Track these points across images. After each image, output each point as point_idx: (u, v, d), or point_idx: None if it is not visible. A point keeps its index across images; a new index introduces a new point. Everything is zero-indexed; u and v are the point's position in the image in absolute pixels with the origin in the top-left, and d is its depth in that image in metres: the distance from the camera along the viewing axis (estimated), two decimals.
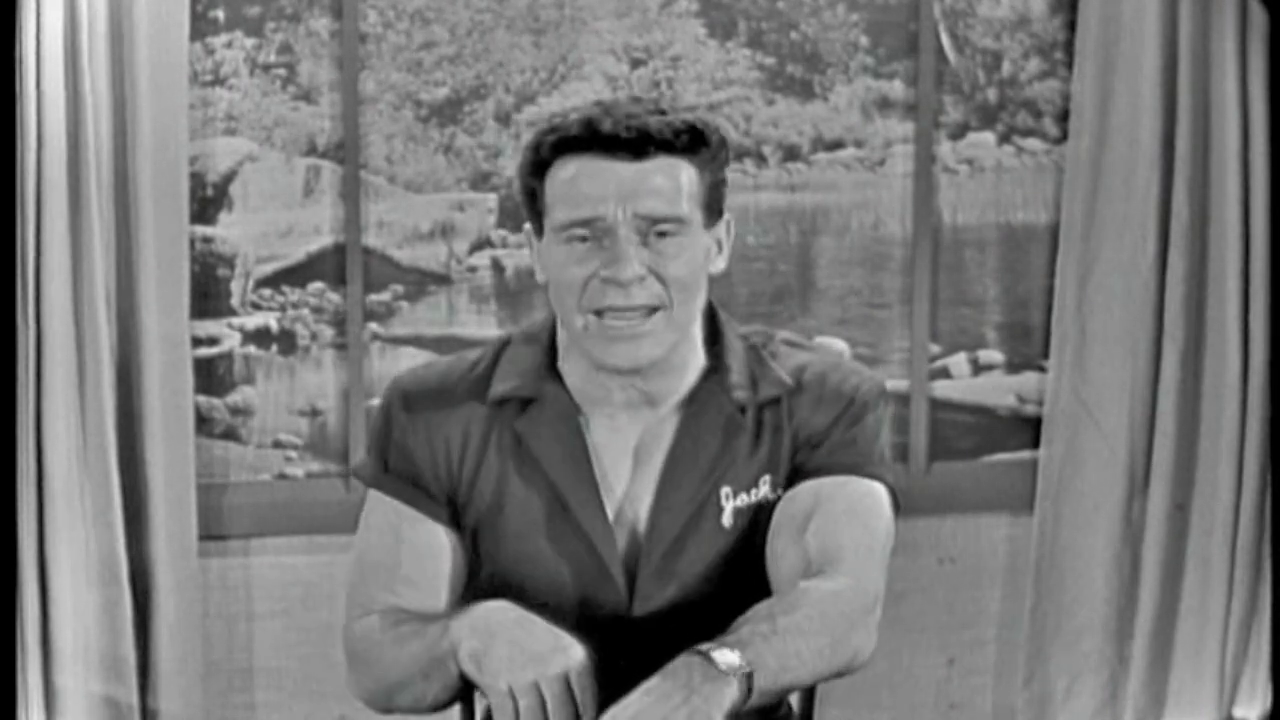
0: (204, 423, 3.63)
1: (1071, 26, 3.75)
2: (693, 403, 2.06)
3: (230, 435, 3.69)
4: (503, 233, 3.72)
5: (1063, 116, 3.80)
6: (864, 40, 3.80)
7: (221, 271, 3.65)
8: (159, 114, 3.36)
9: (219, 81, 3.60)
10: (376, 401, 2.18)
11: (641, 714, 1.73)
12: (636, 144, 1.95)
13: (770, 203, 3.81)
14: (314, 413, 3.71)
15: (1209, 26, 3.59)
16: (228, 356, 3.68)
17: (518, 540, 2.06)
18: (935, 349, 3.89)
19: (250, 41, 3.61)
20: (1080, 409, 3.72)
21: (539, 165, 2.00)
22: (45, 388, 3.32)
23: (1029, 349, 3.92)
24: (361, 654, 2.04)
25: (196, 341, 3.56)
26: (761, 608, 1.87)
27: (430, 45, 3.68)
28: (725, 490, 2.05)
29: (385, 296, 3.71)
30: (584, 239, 1.96)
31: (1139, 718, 3.75)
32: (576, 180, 1.96)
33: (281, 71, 3.63)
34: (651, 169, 1.96)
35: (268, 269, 3.67)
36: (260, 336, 3.68)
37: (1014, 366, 3.94)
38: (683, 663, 1.77)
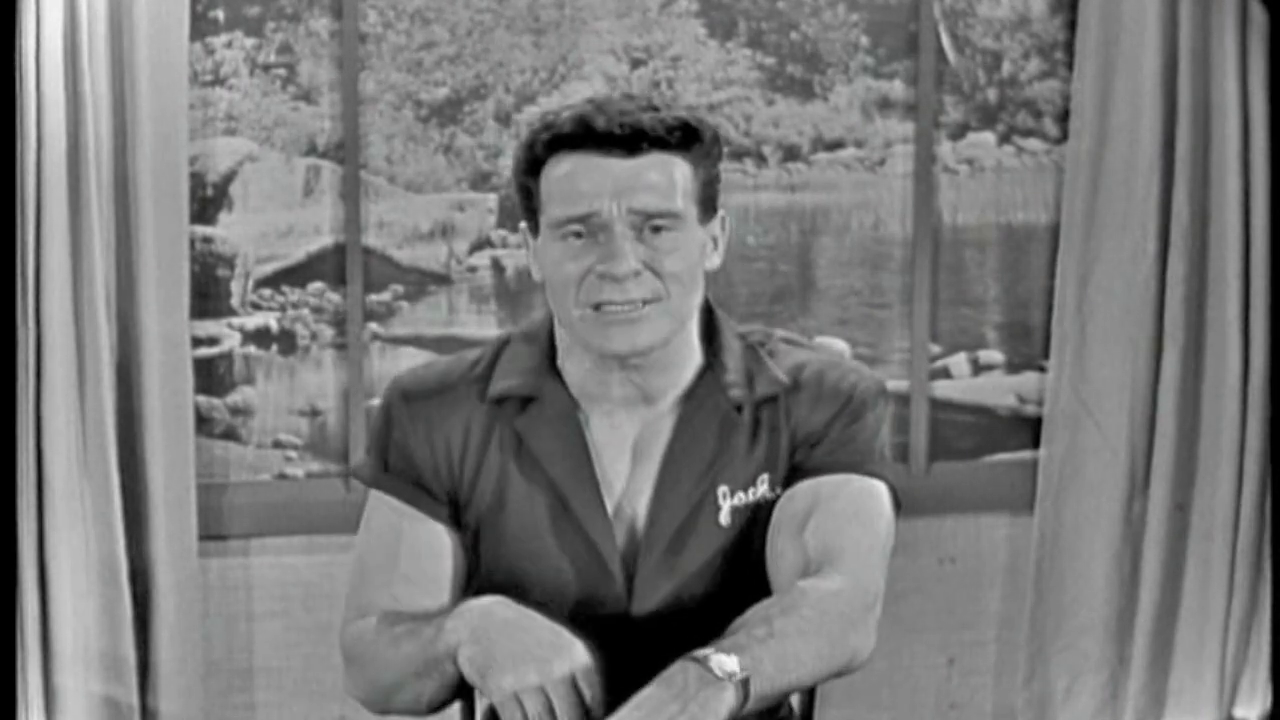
0: (204, 423, 3.63)
1: (1071, 26, 3.75)
2: (690, 400, 2.06)
3: (230, 435, 3.69)
4: (503, 233, 3.72)
5: (1063, 116, 3.80)
6: (864, 40, 3.80)
7: (221, 271, 3.64)
8: (159, 114, 3.36)
9: (219, 81, 3.60)
10: (376, 401, 2.18)
11: None
12: (630, 140, 1.96)
13: (770, 203, 3.81)
14: (314, 413, 3.71)
15: (1209, 26, 3.59)
16: (228, 356, 3.68)
17: (519, 538, 2.06)
18: (935, 349, 3.89)
19: (250, 41, 3.61)
20: (1080, 409, 3.72)
21: (533, 163, 2.00)
22: (45, 388, 3.32)
23: (1029, 349, 3.92)
24: (357, 656, 2.04)
25: (196, 341, 3.56)
26: (759, 610, 1.87)
27: (430, 45, 3.68)
28: (722, 489, 2.05)
29: (385, 296, 3.71)
30: (579, 235, 1.97)
31: (1139, 718, 3.75)
32: (571, 177, 1.97)
33: (281, 71, 3.63)
34: (645, 165, 1.96)
35: (268, 269, 3.67)
36: (260, 336, 3.68)
37: (1014, 366, 3.94)
38: (679, 669, 1.77)
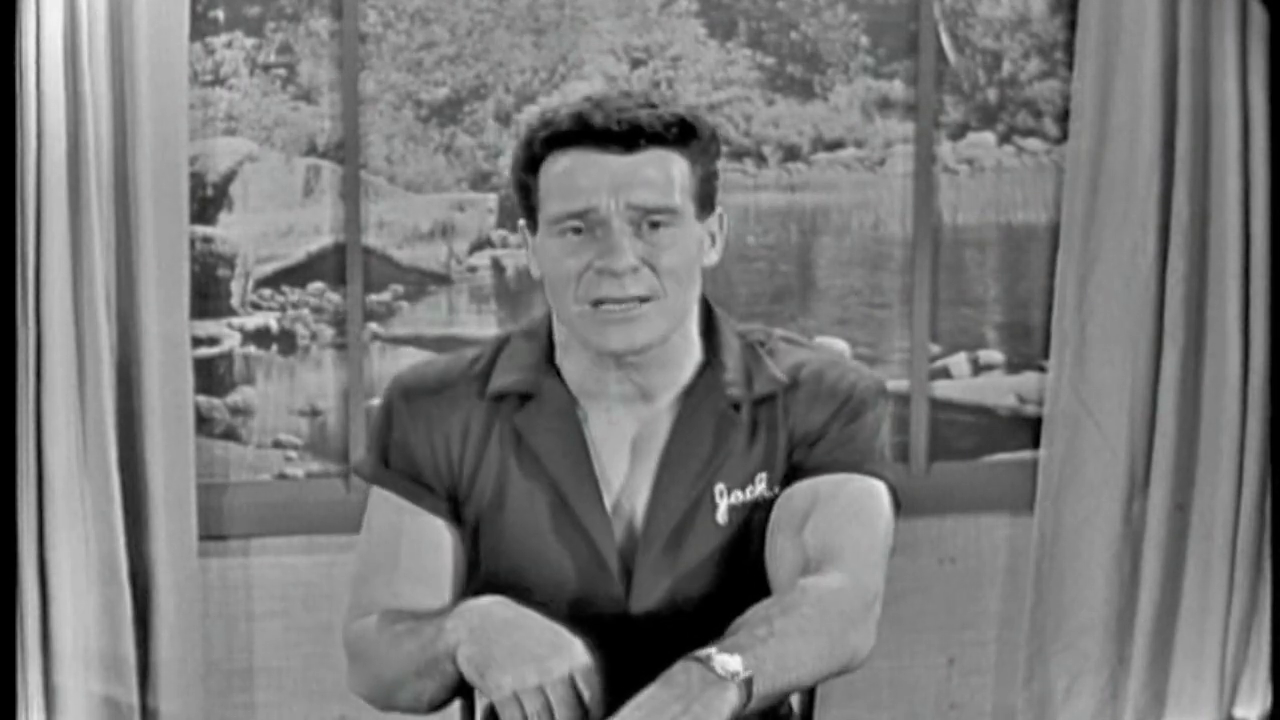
0: (204, 423, 3.63)
1: (1071, 26, 3.75)
2: (688, 398, 2.07)
3: (230, 435, 3.69)
4: (503, 233, 3.72)
5: (1063, 116, 3.80)
6: (864, 40, 3.80)
7: (221, 271, 3.65)
8: (159, 114, 3.36)
9: (219, 81, 3.60)
10: (376, 401, 2.18)
11: None
12: (628, 137, 1.96)
13: (770, 203, 3.81)
14: (314, 413, 3.71)
15: (1209, 26, 3.59)
16: (228, 356, 3.68)
17: (518, 534, 2.06)
18: (935, 349, 3.89)
19: (250, 41, 3.61)
20: (1080, 409, 3.72)
21: (532, 161, 2.01)
22: (45, 388, 3.32)
23: (1029, 349, 3.92)
24: (359, 653, 2.05)
25: (196, 341, 3.56)
26: (759, 610, 1.87)
27: (430, 45, 3.68)
28: (720, 487, 2.05)
29: (385, 296, 3.71)
30: (578, 231, 1.98)
31: (1139, 718, 3.75)
32: (569, 173, 1.97)
33: (281, 71, 3.63)
34: (643, 161, 1.97)
35: (268, 269, 3.67)
36: (260, 336, 3.68)
37: (1014, 366, 3.94)
38: (681, 669, 1.77)
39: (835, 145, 3.82)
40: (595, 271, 1.97)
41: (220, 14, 3.59)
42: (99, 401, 3.35)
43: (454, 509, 2.08)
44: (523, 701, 1.80)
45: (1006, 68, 3.85)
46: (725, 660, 1.77)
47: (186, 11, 3.38)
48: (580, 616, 1.97)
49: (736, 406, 2.06)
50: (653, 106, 2.00)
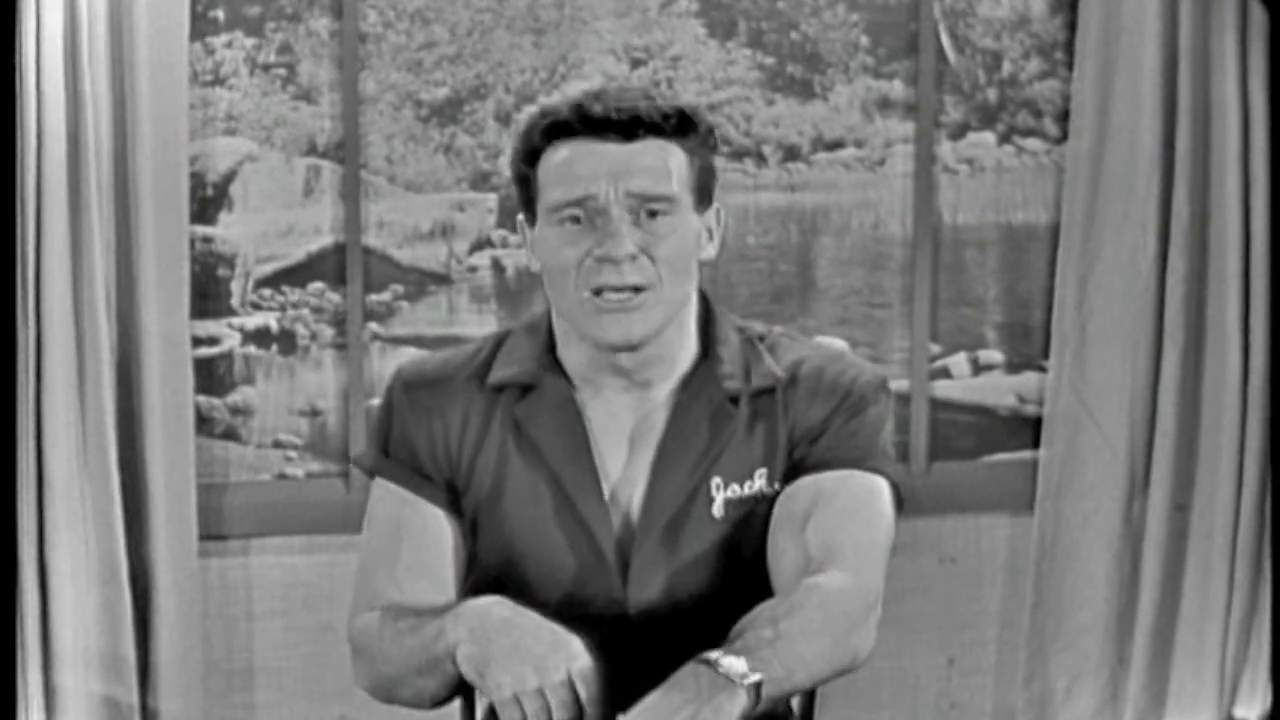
0: (204, 423, 3.63)
1: (1071, 26, 3.75)
2: (685, 390, 2.07)
3: (230, 435, 3.69)
4: (503, 233, 3.72)
5: (1063, 116, 3.80)
6: (864, 40, 3.80)
7: (221, 271, 3.65)
8: (159, 114, 3.36)
9: (219, 81, 3.60)
10: (377, 401, 2.20)
11: None
12: (627, 126, 1.98)
13: (770, 203, 3.81)
14: (314, 413, 3.71)
15: (1209, 26, 3.59)
16: (228, 356, 3.68)
17: (516, 525, 2.07)
18: (935, 349, 3.89)
19: (250, 41, 3.61)
20: (1080, 409, 3.72)
21: (531, 152, 2.03)
22: (45, 388, 3.32)
23: (1029, 349, 3.92)
24: (362, 648, 2.05)
25: (196, 341, 3.56)
26: (763, 611, 1.87)
27: (430, 45, 3.68)
28: (716, 480, 2.05)
29: (385, 296, 3.71)
30: (576, 219, 1.99)
31: (1139, 718, 3.75)
32: (568, 162, 1.99)
33: (281, 71, 3.63)
34: (641, 150, 1.99)
35: (268, 269, 3.67)
36: (260, 336, 3.68)
37: (1014, 366, 3.94)
38: (690, 672, 1.77)
39: (835, 145, 3.82)
40: (594, 259, 1.98)
41: (220, 14, 3.59)
42: (99, 401, 3.35)
43: (453, 499, 2.09)
44: (522, 702, 1.80)
45: (1006, 68, 3.85)
46: (733, 663, 1.77)
47: (186, 11, 3.38)
48: (578, 609, 1.99)
49: (734, 400, 2.07)
50: (651, 98, 2.02)
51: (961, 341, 3.91)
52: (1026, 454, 3.86)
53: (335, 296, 3.68)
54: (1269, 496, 3.67)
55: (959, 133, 3.85)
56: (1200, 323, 3.69)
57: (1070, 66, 3.74)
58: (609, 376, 2.06)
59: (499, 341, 2.13)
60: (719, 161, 2.09)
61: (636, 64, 3.73)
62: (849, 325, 3.86)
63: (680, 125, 2.01)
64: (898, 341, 3.88)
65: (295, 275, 3.67)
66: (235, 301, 3.66)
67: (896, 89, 3.82)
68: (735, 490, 2.06)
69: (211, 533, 3.56)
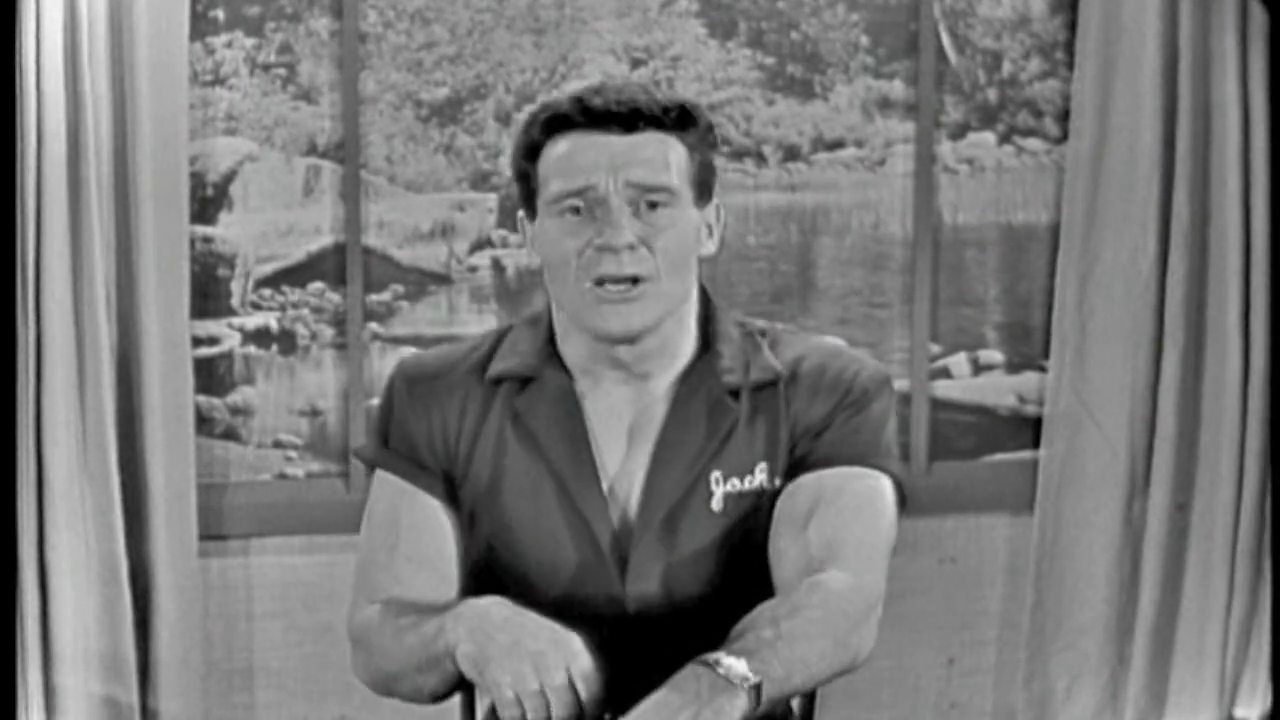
0: (204, 423, 3.63)
1: (1071, 26, 3.75)
2: (684, 384, 2.07)
3: (230, 435, 3.69)
4: (503, 233, 3.72)
5: (1063, 116, 3.80)
6: (864, 40, 3.80)
7: (221, 271, 3.64)
8: (159, 114, 3.36)
9: (219, 81, 3.60)
10: (377, 401, 2.20)
11: None
12: (627, 119, 1.99)
13: (770, 203, 3.81)
14: (314, 413, 3.71)
15: (1209, 26, 3.59)
16: (228, 356, 3.68)
17: (514, 517, 2.07)
18: (935, 349, 3.89)
19: (250, 41, 3.61)
20: (1080, 409, 3.72)
21: (532, 147, 2.04)
22: (45, 388, 3.32)
23: (1029, 349, 3.92)
24: (362, 642, 2.06)
25: (196, 341, 3.56)
26: (764, 611, 1.87)
27: (430, 45, 3.68)
28: (716, 474, 2.05)
29: (385, 296, 3.71)
30: (577, 210, 2.00)
31: (1139, 718, 3.75)
32: (569, 154, 2.00)
33: (281, 71, 3.63)
34: (641, 142, 2.00)
35: (268, 269, 3.67)
36: (260, 336, 3.68)
37: (1014, 366, 3.94)
38: (690, 674, 1.77)
39: (835, 145, 3.82)
40: (595, 250, 1.98)
41: (220, 14, 3.59)
42: (99, 401, 3.35)
43: (450, 490, 2.09)
44: (522, 700, 1.80)
45: (1006, 68, 3.85)
46: (733, 665, 1.77)
47: (186, 11, 3.38)
48: (577, 604, 1.99)
49: (734, 394, 2.07)
50: (650, 93, 2.03)
51: (961, 341, 3.91)
52: (1026, 454, 3.86)
53: (335, 296, 3.68)
54: (1269, 496, 3.67)
55: (959, 133, 3.85)
56: (1200, 323, 3.69)
57: (1070, 66, 3.74)
58: (608, 369, 2.06)
59: (500, 336, 2.14)
60: (719, 162, 2.10)
61: (636, 64, 3.73)
62: (849, 325, 3.86)
63: (680, 119, 2.02)
64: (898, 341, 3.88)
65: (295, 275, 3.67)
66: (235, 301, 3.66)
67: (896, 89, 3.82)
68: (735, 485, 2.06)
69: (211, 533, 3.56)
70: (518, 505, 2.07)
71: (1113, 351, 3.70)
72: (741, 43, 3.77)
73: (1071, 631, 3.75)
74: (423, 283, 3.72)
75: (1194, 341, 3.69)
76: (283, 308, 3.68)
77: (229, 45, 3.60)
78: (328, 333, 3.69)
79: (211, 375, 3.65)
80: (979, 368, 3.93)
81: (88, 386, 3.35)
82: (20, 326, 3.28)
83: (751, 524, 2.05)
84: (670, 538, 2.04)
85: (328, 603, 3.58)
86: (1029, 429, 3.87)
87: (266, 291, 3.67)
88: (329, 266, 3.67)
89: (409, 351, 3.68)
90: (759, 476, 2.06)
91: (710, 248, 2.09)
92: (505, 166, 3.66)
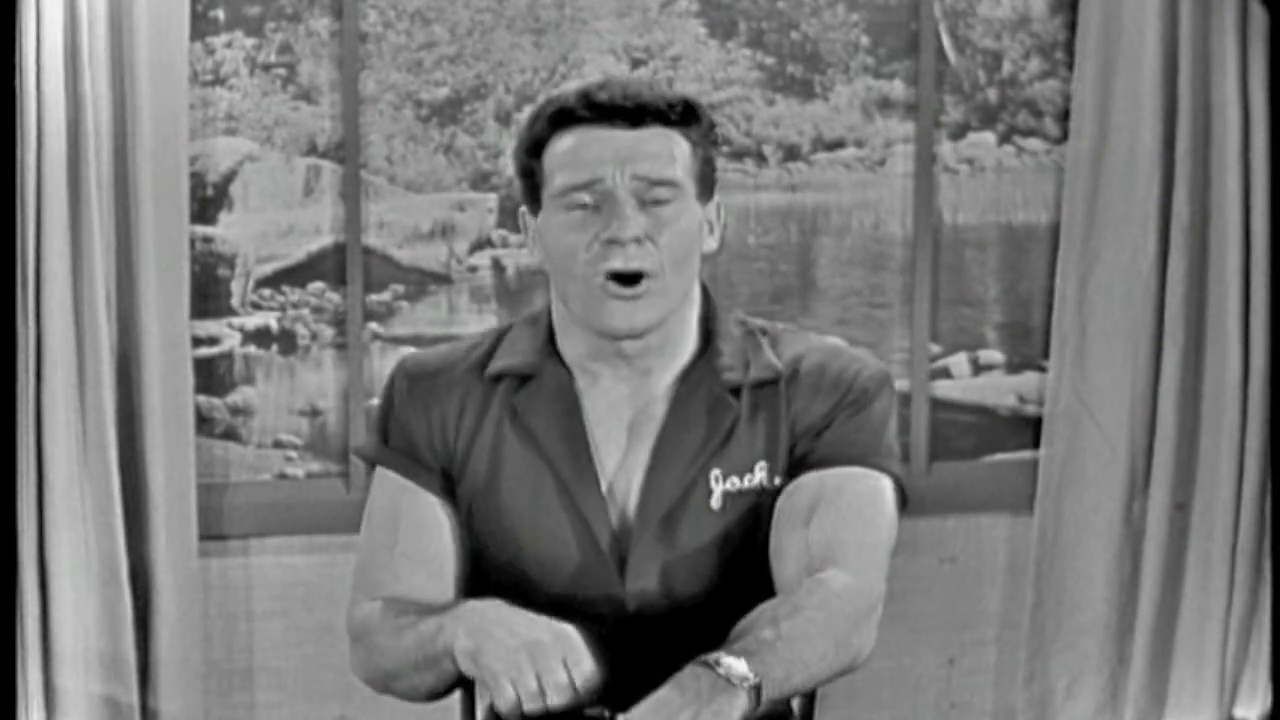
0: (204, 423, 3.63)
1: (1071, 26, 3.75)
2: (685, 382, 2.08)
3: (230, 435, 3.69)
4: (503, 233, 3.72)
5: (1063, 116, 3.80)
6: (864, 40, 3.80)
7: (221, 271, 3.65)
8: (159, 114, 3.36)
9: (219, 81, 3.60)
10: (377, 401, 2.20)
11: None
12: (633, 113, 2.00)
13: (770, 203, 3.81)
14: (314, 413, 3.71)
15: (1209, 26, 3.59)
16: (228, 356, 3.68)
17: (513, 514, 2.07)
18: (935, 349, 3.89)
19: (250, 41, 3.61)
20: (1080, 409, 3.72)
21: (536, 142, 2.04)
22: (45, 388, 3.32)
23: (1029, 349, 3.92)
24: (360, 640, 2.07)
25: (196, 341, 3.56)
26: (764, 611, 1.87)
27: (430, 45, 3.68)
28: (715, 472, 2.05)
29: (385, 296, 3.71)
30: (583, 205, 2.00)
31: (1139, 718, 3.75)
32: (575, 149, 2.01)
33: (281, 71, 3.63)
34: (647, 136, 2.01)
35: (268, 269, 3.67)
36: (260, 336, 3.68)
37: (1014, 366, 3.94)
38: (690, 673, 1.77)
39: (835, 145, 3.82)
40: (601, 243, 1.99)
41: (220, 14, 3.59)
42: (99, 401, 3.35)
43: (448, 487, 2.09)
44: (517, 687, 1.80)
45: (1006, 68, 3.85)
46: (733, 664, 1.77)
47: (186, 11, 3.38)
48: (576, 602, 1.99)
49: (734, 392, 2.07)
50: (655, 89, 2.04)
51: (961, 341, 3.91)
52: (1026, 454, 3.86)
53: (335, 296, 3.68)
54: (1269, 496, 3.67)
55: (959, 133, 3.85)
56: (1200, 323, 3.69)
57: (1070, 66, 3.73)
58: (608, 366, 2.06)
59: (500, 335, 2.15)
60: (719, 161, 2.10)
61: (636, 64, 3.73)
62: (849, 325, 3.86)
63: (684, 115, 2.03)
64: (898, 341, 3.88)
65: (295, 275, 3.67)
66: (235, 301, 3.66)
67: (896, 89, 3.82)
68: (735, 483, 2.06)
69: (211, 533, 3.56)
70: (516, 503, 2.07)
71: (1113, 351, 3.70)
72: (741, 43, 3.77)
73: (1071, 631, 3.75)
74: (423, 283, 3.72)
75: (1194, 341, 3.69)
76: (283, 308, 3.68)
77: (229, 45, 3.60)
78: (328, 333, 3.69)
79: (211, 375, 3.66)
80: (979, 368, 3.93)
81: (88, 386, 3.35)
82: (20, 326, 3.28)
83: (751, 523, 2.05)
84: (669, 536, 2.04)
85: (328, 603, 3.58)
86: (1029, 429, 3.87)
87: (266, 291, 3.67)
88: (329, 266, 3.67)
89: (409, 351, 3.69)
90: (759, 475, 2.06)
91: (712, 245, 2.09)
92: (505, 166, 3.66)
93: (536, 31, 3.70)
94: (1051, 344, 3.75)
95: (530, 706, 1.80)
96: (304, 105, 3.64)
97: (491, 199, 3.72)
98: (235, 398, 3.69)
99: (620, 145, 1.99)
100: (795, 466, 2.05)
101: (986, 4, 3.83)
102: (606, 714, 1.82)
